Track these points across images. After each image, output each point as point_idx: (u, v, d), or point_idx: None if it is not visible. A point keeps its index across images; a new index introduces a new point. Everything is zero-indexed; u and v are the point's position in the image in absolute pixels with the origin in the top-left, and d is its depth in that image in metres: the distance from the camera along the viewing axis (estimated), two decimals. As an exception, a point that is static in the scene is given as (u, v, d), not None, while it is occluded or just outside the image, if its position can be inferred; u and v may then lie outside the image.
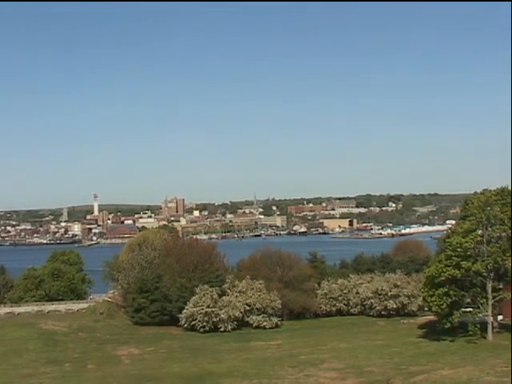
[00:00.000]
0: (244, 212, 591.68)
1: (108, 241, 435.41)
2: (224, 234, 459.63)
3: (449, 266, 71.70)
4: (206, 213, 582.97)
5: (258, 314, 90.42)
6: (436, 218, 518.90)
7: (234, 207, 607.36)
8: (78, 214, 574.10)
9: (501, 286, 73.85)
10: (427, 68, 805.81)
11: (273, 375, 58.43)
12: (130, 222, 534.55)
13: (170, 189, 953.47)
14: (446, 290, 72.46)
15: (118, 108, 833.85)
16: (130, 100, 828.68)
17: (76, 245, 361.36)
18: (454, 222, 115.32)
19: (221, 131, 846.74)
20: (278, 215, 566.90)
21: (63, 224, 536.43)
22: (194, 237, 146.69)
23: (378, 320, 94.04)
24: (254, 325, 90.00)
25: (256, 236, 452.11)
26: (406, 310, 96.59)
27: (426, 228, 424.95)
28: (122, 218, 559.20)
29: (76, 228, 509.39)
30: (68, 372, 63.36)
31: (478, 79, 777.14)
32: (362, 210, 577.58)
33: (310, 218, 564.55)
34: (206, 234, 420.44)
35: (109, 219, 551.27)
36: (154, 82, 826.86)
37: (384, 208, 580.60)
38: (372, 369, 59.44)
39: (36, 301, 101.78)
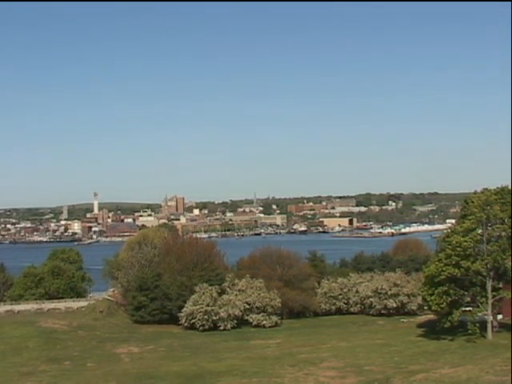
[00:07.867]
0: (244, 211, 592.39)
1: (108, 239, 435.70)
2: (224, 233, 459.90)
3: (448, 265, 71.57)
4: (206, 211, 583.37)
5: (258, 313, 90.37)
6: (436, 217, 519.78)
7: (233, 206, 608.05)
8: (78, 212, 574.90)
9: (500, 285, 73.73)
10: (427, 68, 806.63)
11: (272, 374, 58.26)
12: (129, 220, 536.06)
13: (170, 187, 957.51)
14: (446, 289, 72.36)
15: (119, 106, 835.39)
16: (130, 98, 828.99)
17: (76, 243, 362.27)
18: (453, 221, 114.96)
19: (221, 130, 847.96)
20: (278, 214, 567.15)
21: (63, 222, 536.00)
22: (194, 235, 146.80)
23: (377, 319, 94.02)
24: (254, 323, 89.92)
25: (256, 235, 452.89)
26: (405, 309, 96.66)
27: (426, 227, 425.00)
28: (122, 217, 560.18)
29: (76, 226, 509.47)
30: (68, 370, 63.26)
31: (478, 79, 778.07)
32: (362, 208, 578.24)
33: (309, 216, 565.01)
34: (205, 232, 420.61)
35: (109, 217, 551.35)
36: (155, 80, 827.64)
37: (384, 207, 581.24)
38: (372, 368, 59.30)
39: (36, 299, 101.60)
